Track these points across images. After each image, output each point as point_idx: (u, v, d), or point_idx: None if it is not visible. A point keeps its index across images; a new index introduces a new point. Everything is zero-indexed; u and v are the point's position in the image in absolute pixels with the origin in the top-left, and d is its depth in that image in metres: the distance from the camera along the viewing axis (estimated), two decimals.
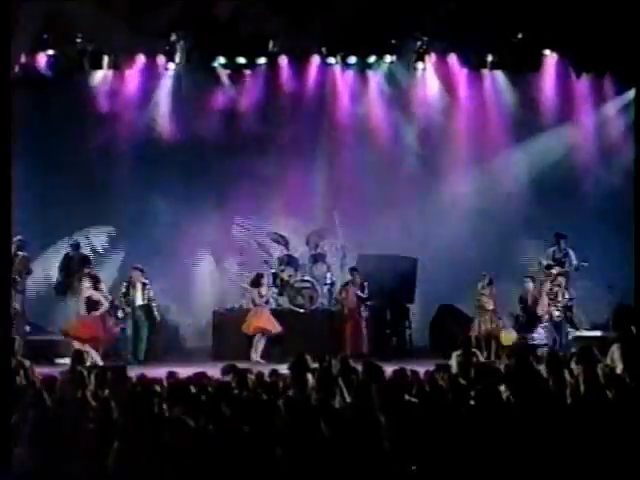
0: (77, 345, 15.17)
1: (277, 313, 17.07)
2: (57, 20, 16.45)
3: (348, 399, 8.68)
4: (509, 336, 16.42)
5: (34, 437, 7.42)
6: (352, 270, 17.24)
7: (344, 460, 7.01)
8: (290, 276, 17.75)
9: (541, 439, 7.57)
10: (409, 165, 19.03)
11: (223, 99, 18.72)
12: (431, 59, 18.37)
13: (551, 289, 16.59)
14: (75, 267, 17.35)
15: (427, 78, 18.87)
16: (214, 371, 10.18)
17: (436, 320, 17.88)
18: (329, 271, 17.83)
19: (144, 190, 18.48)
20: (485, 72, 18.88)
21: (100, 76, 18.51)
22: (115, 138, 18.40)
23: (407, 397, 8.51)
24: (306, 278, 17.68)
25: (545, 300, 16.36)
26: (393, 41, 17.97)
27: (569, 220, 18.16)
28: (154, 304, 16.83)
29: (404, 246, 18.12)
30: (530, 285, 16.95)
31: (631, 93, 18.10)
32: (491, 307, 16.69)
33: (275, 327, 16.73)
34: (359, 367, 9.94)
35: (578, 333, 16.83)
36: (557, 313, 16.38)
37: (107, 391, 9.25)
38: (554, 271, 17.04)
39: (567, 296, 16.52)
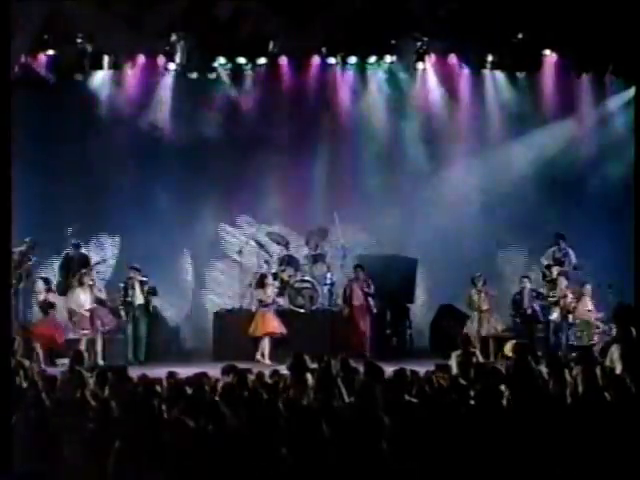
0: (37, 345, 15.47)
1: (277, 313, 17.06)
2: (57, 20, 16.49)
3: (347, 399, 8.69)
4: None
5: (34, 437, 7.43)
6: (356, 267, 17.19)
7: (344, 460, 7.02)
8: (290, 276, 17.73)
9: (541, 439, 7.58)
10: (409, 165, 19.03)
11: (223, 99, 18.75)
12: (431, 59, 18.37)
13: (551, 289, 16.60)
14: (75, 267, 17.34)
15: (427, 78, 18.88)
16: (214, 371, 10.19)
17: (436, 320, 17.87)
18: (329, 271, 17.80)
19: (144, 190, 18.49)
20: (485, 72, 18.89)
21: (100, 76, 18.52)
22: (115, 138, 18.41)
23: (407, 397, 8.52)
24: (306, 278, 17.67)
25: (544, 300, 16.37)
26: (393, 41, 17.95)
27: (569, 220, 18.15)
28: (151, 299, 16.87)
29: (404, 246, 18.14)
30: (527, 285, 16.95)
31: (631, 92, 18.10)
32: (486, 307, 16.70)
33: (282, 329, 16.76)
34: (358, 367, 9.95)
35: (578, 334, 16.79)
36: (556, 314, 16.40)
37: (107, 391, 9.25)
38: (554, 271, 17.05)
39: (569, 295, 16.53)
